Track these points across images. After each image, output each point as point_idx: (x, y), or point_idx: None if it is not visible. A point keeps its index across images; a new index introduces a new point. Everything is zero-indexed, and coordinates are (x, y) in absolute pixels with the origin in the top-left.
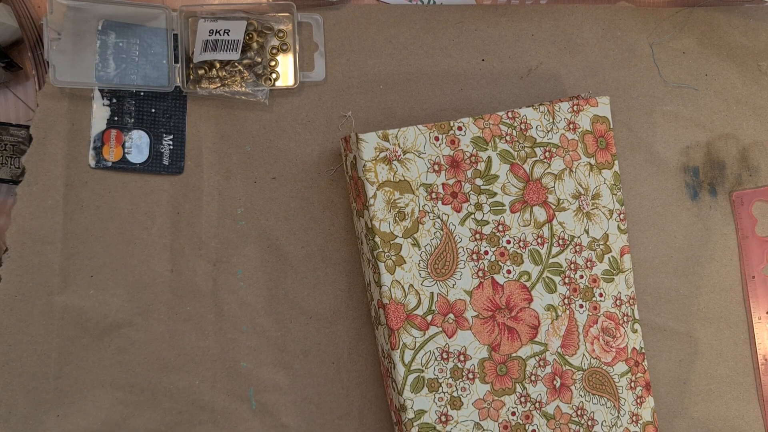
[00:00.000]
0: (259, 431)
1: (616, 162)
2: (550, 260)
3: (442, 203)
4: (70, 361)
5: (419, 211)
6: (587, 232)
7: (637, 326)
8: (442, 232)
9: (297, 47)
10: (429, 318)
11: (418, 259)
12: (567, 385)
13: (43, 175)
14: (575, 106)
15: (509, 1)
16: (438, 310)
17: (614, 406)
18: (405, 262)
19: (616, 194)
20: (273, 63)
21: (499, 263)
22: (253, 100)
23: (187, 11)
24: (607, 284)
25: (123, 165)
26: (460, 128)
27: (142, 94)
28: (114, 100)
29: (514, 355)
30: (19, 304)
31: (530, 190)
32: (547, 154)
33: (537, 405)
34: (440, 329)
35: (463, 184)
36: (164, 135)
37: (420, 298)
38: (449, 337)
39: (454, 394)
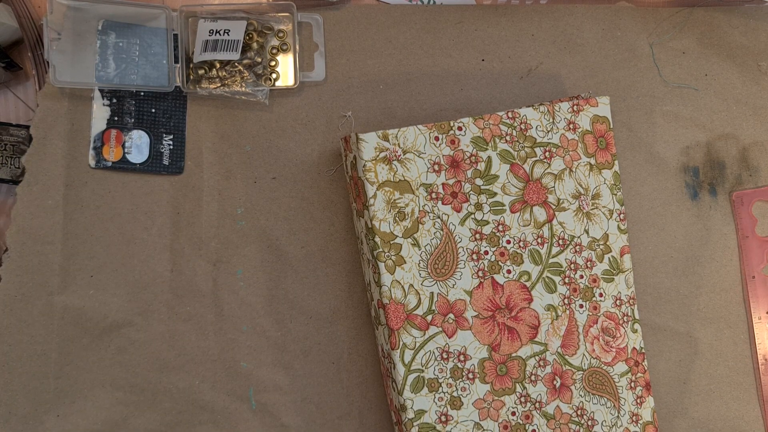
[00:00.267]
0: (259, 431)
1: (616, 162)
2: (550, 260)
3: (442, 203)
4: (70, 361)
5: (419, 211)
6: (587, 232)
7: (637, 326)
8: (442, 232)
9: (297, 47)
10: (429, 318)
11: (418, 259)
12: (567, 385)
13: (43, 175)
14: (575, 106)
15: (509, 1)
16: (438, 310)
17: (614, 406)
18: (405, 262)
19: (616, 194)
20: (273, 63)
21: (499, 263)
22: (253, 100)
23: (187, 11)
24: (607, 284)
25: (123, 165)
26: (460, 128)
27: (142, 94)
28: (114, 100)
29: (514, 355)
30: (19, 304)
31: (530, 190)
32: (547, 154)
33: (537, 405)
34: (440, 329)
35: (463, 184)
36: (164, 135)
37: (420, 298)
38: (449, 337)
39: (454, 394)
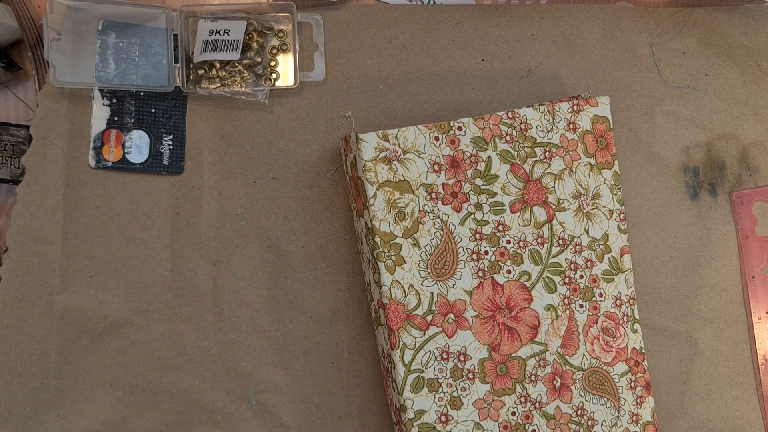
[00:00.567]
0: (259, 431)
1: (616, 162)
2: (550, 260)
3: (442, 203)
4: (70, 361)
5: (419, 211)
6: (587, 232)
7: (637, 326)
8: (442, 232)
9: (297, 47)
10: (429, 318)
11: (418, 259)
12: (567, 385)
13: (43, 175)
14: (575, 106)
15: (509, 1)
16: (438, 310)
17: (614, 406)
18: (405, 262)
19: (616, 194)
20: (273, 63)
21: (499, 263)
22: (253, 100)
23: (187, 11)
24: (607, 284)
25: (123, 165)
26: (460, 128)
27: (142, 94)
28: (114, 100)
29: (514, 355)
30: (19, 304)
31: (530, 190)
32: (547, 154)
33: (537, 405)
34: (440, 329)
35: (463, 184)
36: (164, 135)
37: (420, 298)
38: (449, 337)
39: (454, 394)
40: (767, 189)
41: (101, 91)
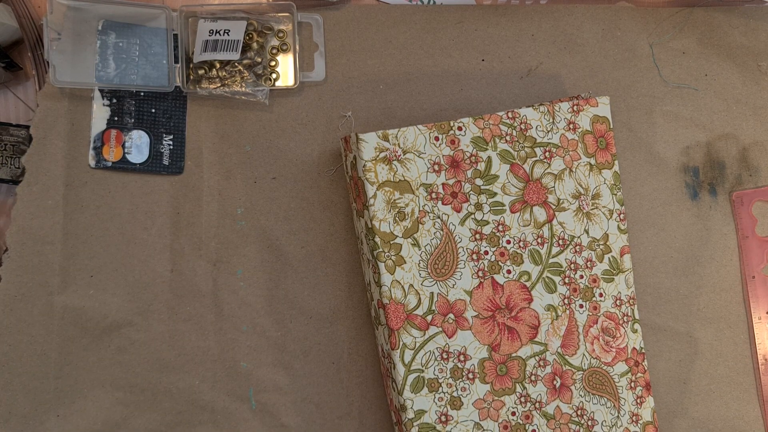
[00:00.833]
0: (259, 431)
1: (616, 162)
2: (550, 260)
3: (442, 203)
4: (70, 361)
5: (419, 211)
6: (587, 232)
7: (637, 326)
8: (442, 232)
9: (297, 47)
10: (429, 318)
11: (418, 259)
12: (567, 385)
13: (43, 175)
14: (575, 106)
15: (509, 1)
16: (438, 310)
17: (614, 406)
18: (405, 262)
19: (616, 194)
20: (273, 63)
21: (499, 263)
22: (253, 100)
23: (187, 11)
24: (607, 284)
25: (123, 165)
26: (460, 128)
27: (142, 94)
28: (114, 100)
29: (514, 355)
30: (19, 304)
31: (530, 190)
32: (547, 154)
33: (537, 405)
34: (440, 329)
35: (463, 184)
36: (164, 135)
37: (420, 298)
38: (449, 337)
39: (454, 394)
40: (767, 189)
41: (101, 91)
